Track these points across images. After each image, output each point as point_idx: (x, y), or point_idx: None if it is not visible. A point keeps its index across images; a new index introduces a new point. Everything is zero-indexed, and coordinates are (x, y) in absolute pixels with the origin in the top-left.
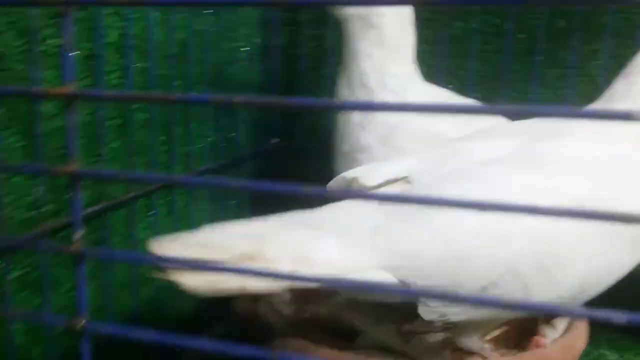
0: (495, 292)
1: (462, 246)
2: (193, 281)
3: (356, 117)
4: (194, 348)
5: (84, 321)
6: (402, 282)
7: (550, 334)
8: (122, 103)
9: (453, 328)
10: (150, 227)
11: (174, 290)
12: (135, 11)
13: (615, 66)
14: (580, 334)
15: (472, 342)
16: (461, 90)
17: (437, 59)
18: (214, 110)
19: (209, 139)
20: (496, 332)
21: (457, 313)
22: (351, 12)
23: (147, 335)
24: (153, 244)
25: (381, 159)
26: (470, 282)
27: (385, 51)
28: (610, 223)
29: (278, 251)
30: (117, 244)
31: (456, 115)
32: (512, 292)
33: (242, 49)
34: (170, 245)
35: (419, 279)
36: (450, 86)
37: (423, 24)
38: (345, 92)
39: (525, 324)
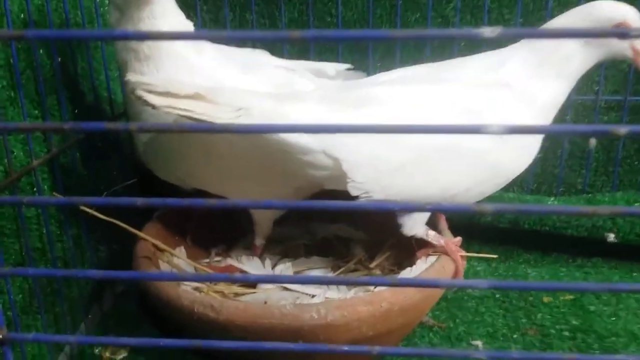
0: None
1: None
2: (157, 100)
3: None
4: None
5: None
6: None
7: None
8: None
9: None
10: None
11: None
12: None
13: (467, 8)
14: (448, 261)
15: (416, 228)
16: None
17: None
18: None
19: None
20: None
21: (377, 191)
22: None
23: None
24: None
25: None
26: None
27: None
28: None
29: (225, 98)
30: None
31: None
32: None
33: None
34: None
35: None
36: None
37: None
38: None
39: (404, 247)
